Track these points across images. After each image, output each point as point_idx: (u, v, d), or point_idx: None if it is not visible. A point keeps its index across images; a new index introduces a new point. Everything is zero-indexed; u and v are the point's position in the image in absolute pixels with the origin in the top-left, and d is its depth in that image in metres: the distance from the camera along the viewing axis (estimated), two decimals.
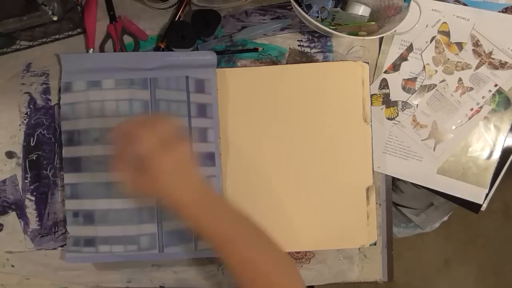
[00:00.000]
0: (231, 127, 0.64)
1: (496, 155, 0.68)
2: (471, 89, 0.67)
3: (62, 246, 0.65)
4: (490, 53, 0.67)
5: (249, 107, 0.64)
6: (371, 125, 0.65)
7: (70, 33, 0.66)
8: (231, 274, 0.50)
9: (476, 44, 0.68)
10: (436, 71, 0.67)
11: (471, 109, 0.67)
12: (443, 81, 0.67)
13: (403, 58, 0.68)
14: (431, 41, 0.68)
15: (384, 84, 0.68)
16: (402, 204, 0.98)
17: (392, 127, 0.67)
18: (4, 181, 0.65)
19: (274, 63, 0.67)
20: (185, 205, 0.48)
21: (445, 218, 0.98)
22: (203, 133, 0.63)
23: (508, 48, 0.67)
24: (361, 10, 0.63)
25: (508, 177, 0.69)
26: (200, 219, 0.49)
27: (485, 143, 0.68)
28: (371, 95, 0.67)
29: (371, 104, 0.66)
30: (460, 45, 0.68)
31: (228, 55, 0.66)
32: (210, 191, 0.52)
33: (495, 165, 0.68)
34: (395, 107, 0.67)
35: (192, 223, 0.49)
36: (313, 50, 0.67)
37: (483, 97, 0.67)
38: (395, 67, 0.68)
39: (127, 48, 0.66)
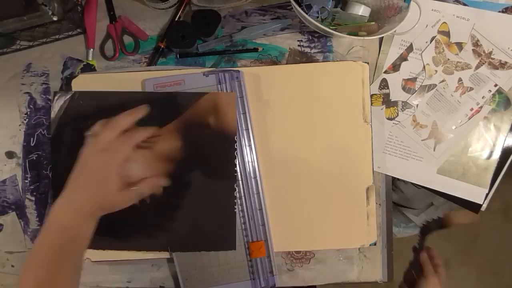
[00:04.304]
0: None
1: (496, 155, 0.68)
2: (471, 89, 0.67)
3: None
4: (490, 53, 0.67)
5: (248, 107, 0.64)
6: (371, 125, 0.65)
7: (70, 33, 0.66)
8: None
9: (476, 44, 0.68)
10: (436, 71, 0.67)
11: (471, 109, 0.67)
12: (443, 81, 0.67)
13: (403, 58, 0.68)
14: (431, 41, 0.68)
15: (384, 84, 0.68)
16: (402, 204, 0.98)
17: (392, 127, 0.67)
18: (4, 181, 0.65)
19: (274, 63, 0.67)
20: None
21: None
22: None
23: (508, 48, 0.67)
24: (361, 10, 0.63)
25: (508, 177, 0.69)
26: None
27: (485, 143, 0.68)
28: (371, 95, 0.67)
29: (371, 104, 0.66)
30: (460, 45, 0.68)
31: (228, 55, 0.66)
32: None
33: (495, 165, 0.68)
34: (395, 107, 0.67)
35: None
36: (313, 50, 0.67)
37: (483, 97, 0.67)
38: (395, 67, 0.68)
39: (127, 48, 0.66)
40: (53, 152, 0.63)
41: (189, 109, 0.61)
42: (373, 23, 0.63)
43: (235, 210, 0.61)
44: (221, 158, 0.61)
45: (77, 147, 0.62)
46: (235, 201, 0.61)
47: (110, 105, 0.62)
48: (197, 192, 0.61)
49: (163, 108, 0.61)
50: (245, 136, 0.62)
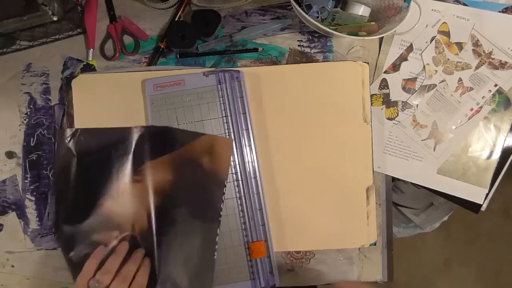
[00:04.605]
0: None
1: (496, 155, 0.68)
2: (471, 89, 0.67)
3: None
4: (490, 53, 0.67)
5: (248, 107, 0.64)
6: (371, 125, 0.65)
7: (70, 33, 0.66)
8: None
9: (476, 44, 0.68)
10: (436, 71, 0.67)
11: (471, 109, 0.67)
12: (443, 81, 0.67)
13: (403, 58, 0.68)
14: (431, 41, 0.68)
15: (384, 84, 0.68)
16: (402, 204, 0.98)
17: (392, 127, 0.67)
18: (4, 181, 0.65)
19: (274, 63, 0.67)
20: None
21: (445, 218, 0.98)
22: None
23: (508, 48, 0.67)
24: (361, 10, 0.63)
25: (508, 177, 0.69)
26: None
27: (485, 143, 0.68)
28: (371, 95, 0.67)
29: (371, 104, 0.66)
30: (460, 45, 0.68)
31: (228, 55, 0.66)
32: None
33: (495, 165, 0.68)
34: (395, 107, 0.68)
35: None
36: (313, 50, 0.67)
37: (483, 97, 0.67)
38: (395, 67, 0.68)
39: (127, 48, 0.66)
40: (57, 184, 0.63)
41: (185, 146, 0.61)
42: (373, 23, 0.63)
43: (215, 257, 0.60)
44: (208, 200, 0.61)
45: (80, 181, 0.62)
46: (216, 247, 0.60)
47: (110, 140, 0.61)
48: (180, 230, 0.60)
49: (160, 141, 0.61)
50: (245, 136, 0.62)
